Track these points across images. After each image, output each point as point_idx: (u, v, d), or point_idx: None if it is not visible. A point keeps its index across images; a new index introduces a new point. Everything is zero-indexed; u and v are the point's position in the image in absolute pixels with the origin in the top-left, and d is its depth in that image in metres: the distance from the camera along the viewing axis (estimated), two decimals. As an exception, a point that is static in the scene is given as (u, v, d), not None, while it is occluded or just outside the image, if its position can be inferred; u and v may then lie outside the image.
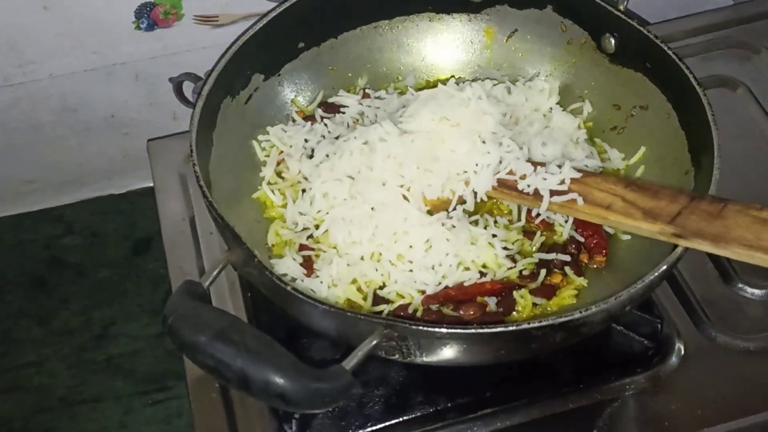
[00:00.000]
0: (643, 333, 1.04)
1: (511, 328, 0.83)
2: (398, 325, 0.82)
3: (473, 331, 0.84)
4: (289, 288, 0.86)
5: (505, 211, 1.06)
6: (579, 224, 1.04)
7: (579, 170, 1.00)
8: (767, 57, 1.36)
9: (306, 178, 1.07)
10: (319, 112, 1.14)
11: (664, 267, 0.88)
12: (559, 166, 1.01)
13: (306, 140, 1.10)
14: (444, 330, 0.83)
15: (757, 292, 1.10)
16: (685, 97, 1.02)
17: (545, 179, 1.00)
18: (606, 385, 1.02)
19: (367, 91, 1.17)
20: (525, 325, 0.83)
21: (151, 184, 1.26)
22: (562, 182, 0.99)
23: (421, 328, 0.82)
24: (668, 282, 1.10)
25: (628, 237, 1.05)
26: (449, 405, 1.00)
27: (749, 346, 1.06)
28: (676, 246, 0.91)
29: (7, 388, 1.32)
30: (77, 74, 1.28)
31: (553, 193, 0.99)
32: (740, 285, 1.10)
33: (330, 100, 1.16)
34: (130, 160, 1.41)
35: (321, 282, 0.98)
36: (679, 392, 1.02)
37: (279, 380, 0.75)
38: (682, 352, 1.05)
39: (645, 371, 1.03)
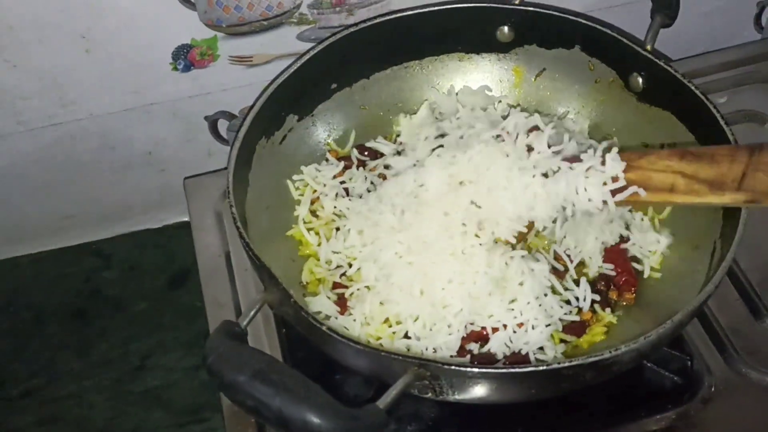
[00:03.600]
0: (673, 369, 1.05)
1: (541, 368, 0.85)
2: (430, 365, 0.84)
3: (505, 371, 0.86)
4: (324, 328, 0.88)
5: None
6: (608, 259, 1.06)
7: (623, 152, 0.98)
8: (795, 91, 1.36)
9: (339, 216, 1.09)
10: (355, 153, 1.17)
11: (693, 306, 0.89)
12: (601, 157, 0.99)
13: (342, 182, 1.12)
14: (476, 370, 0.85)
15: (787, 328, 1.10)
16: (711, 135, 1.03)
17: (605, 184, 0.98)
18: (636, 421, 1.03)
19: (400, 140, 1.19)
20: (555, 365, 0.85)
21: (187, 219, 1.28)
22: (616, 178, 0.98)
23: (453, 367, 0.84)
24: (698, 318, 1.10)
25: (659, 274, 1.06)
26: (481, 441, 1.02)
27: (780, 381, 1.06)
28: (707, 284, 0.92)
29: (48, 420, 1.34)
30: (117, 113, 1.30)
31: (614, 192, 0.98)
32: (770, 320, 1.11)
33: (367, 144, 1.18)
34: (167, 195, 1.43)
35: (354, 320, 1.00)
36: (709, 429, 1.03)
37: (316, 420, 0.77)
38: (713, 388, 1.05)
39: (675, 408, 1.03)
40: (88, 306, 1.44)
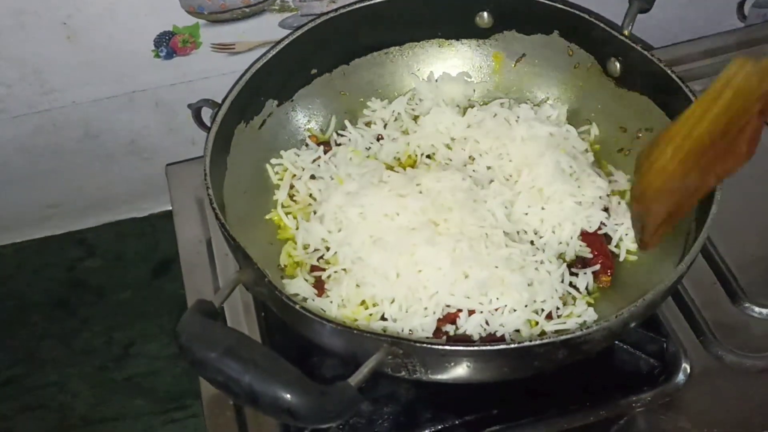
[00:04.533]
0: (650, 351, 1.06)
1: (513, 346, 0.86)
2: (402, 342, 0.84)
3: (475, 348, 0.86)
4: (297, 307, 0.88)
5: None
6: (585, 241, 1.06)
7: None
8: (776, 78, 1.37)
9: (315, 200, 1.09)
10: (335, 138, 1.17)
11: (665, 286, 0.90)
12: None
13: (318, 165, 1.13)
14: (447, 347, 0.85)
15: (764, 311, 1.10)
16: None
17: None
18: (612, 402, 1.03)
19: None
20: (527, 343, 0.85)
21: (170, 208, 1.29)
22: None
23: (424, 345, 0.85)
24: (675, 301, 1.10)
25: (635, 257, 1.07)
26: (457, 422, 1.02)
27: (756, 365, 1.06)
28: (678, 264, 0.92)
29: (31, 407, 1.34)
30: (99, 101, 1.31)
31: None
32: (747, 304, 1.11)
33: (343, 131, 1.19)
34: (151, 184, 1.43)
35: (331, 302, 1.01)
36: (685, 410, 1.03)
37: (286, 395, 0.77)
38: (689, 370, 1.05)
39: (651, 389, 1.04)
40: (71, 295, 1.44)
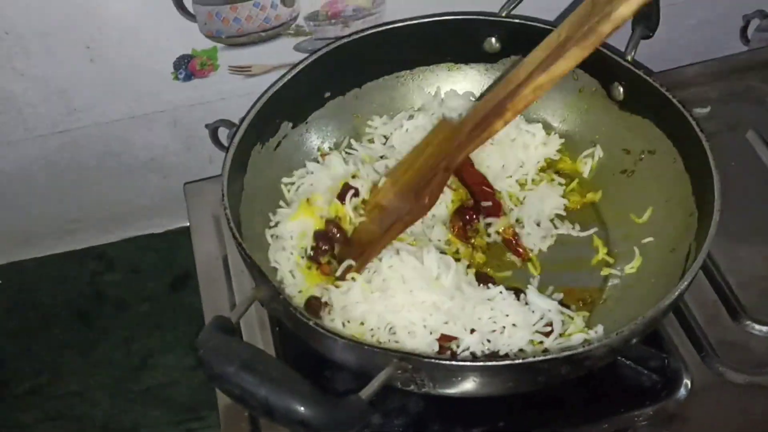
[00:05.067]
0: (652, 367, 1.09)
1: (518, 361, 0.89)
2: (411, 357, 0.88)
3: (482, 363, 0.89)
4: (311, 323, 0.92)
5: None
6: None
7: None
8: (778, 102, 1.40)
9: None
10: (343, 155, 1.21)
11: (665, 303, 0.93)
12: None
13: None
14: (454, 363, 0.89)
15: (764, 329, 1.13)
16: (689, 143, 1.08)
17: None
18: (615, 416, 1.06)
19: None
20: (531, 359, 0.88)
21: (188, 224, 1.32)
22: None
23: (432, 360, 0.88)
24: (676, 318, 1.13)
25: (635, 273, 1.10)
26: (464, 435, 1.06)
27: (757, 381, 1.09)
28: (679, 281, 0.96)
29: (51, 416, 1.37)
30: (120, 121, 1.34)
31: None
32: (748, 322, 1.13)
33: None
34: (169, 201, 1.47)
35: (332, 320, 1.04)
36: (687, 425, 1.06)
37: (299, 408, 0.81)
38: (690, 386, 1.08)
39: (653, 404, 1.07)
40: (91, 307, 1.47)
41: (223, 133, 1.40)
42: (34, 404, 1.39)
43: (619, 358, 1.08)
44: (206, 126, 1.39)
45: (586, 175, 1.22)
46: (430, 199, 1.05)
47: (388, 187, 1.10)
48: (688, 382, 1.09)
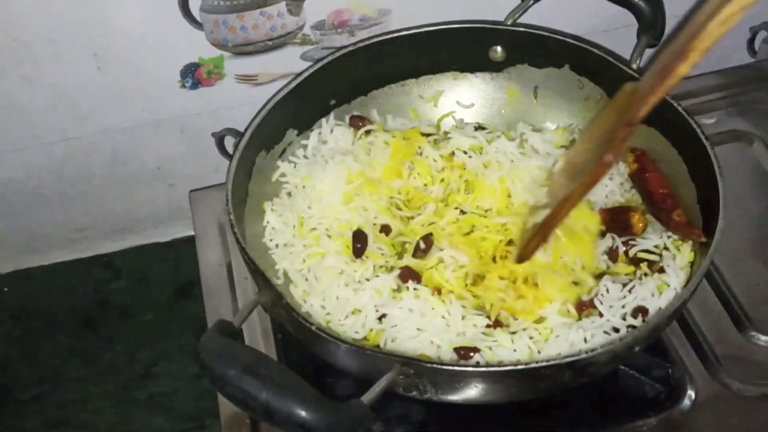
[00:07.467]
0: (655, 377, 1.08)
1: (520, 367, 0.89)
2: (414, 363, 0.88)
3: (484, 369, 0.89)
4: (313, 328, 0.92)
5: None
6: None
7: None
8: (785, 112, 1.39)
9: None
10: None
11: (669, 311, 0.93)
12: None
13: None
14: (456, 368, 0.89)
15: (769, 340, 1.13)
16: (694, 151, 1.07)
17: None
18: (618, 426, 1.06)
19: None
20: (533, 365, 0.88)
21: (194, 233, 1.32)
22: None
23: (434, 365, 0.88)
24: (681, 327, 1.13)
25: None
26: (466, 442, 1.05)
27: (761, 392, 1.08)
28: (683, 289, 0.95)
29: (54, 423, 1.38)
30: (127, 129, 1.35)
31: None
32: (753, 332, 1.13)
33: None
34: (175, 210, 1.47)
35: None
36: (691, 436, 1.06)
37: (301, 412, 0.81)
38: (694, 396, 1.07)
39: (657, 414, 1.06)
40: (96, 315, 1.48)
41: (229, 142, 1.39)
42: (37, 411, 1.39)
43: (623, 367, 1.08)
44: (212, 134, 1.38)
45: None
46: (614, 155, 0.94)
47: (577, 150, 1.02)
48: (692, 393, 1.08)
